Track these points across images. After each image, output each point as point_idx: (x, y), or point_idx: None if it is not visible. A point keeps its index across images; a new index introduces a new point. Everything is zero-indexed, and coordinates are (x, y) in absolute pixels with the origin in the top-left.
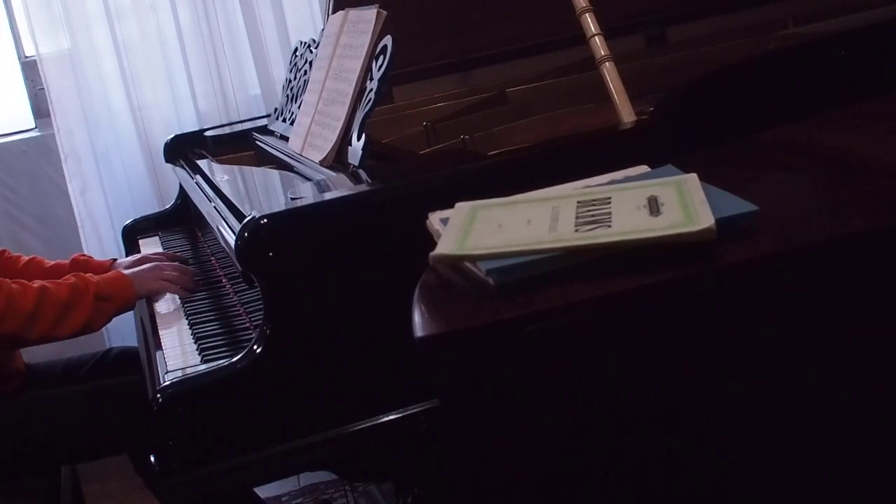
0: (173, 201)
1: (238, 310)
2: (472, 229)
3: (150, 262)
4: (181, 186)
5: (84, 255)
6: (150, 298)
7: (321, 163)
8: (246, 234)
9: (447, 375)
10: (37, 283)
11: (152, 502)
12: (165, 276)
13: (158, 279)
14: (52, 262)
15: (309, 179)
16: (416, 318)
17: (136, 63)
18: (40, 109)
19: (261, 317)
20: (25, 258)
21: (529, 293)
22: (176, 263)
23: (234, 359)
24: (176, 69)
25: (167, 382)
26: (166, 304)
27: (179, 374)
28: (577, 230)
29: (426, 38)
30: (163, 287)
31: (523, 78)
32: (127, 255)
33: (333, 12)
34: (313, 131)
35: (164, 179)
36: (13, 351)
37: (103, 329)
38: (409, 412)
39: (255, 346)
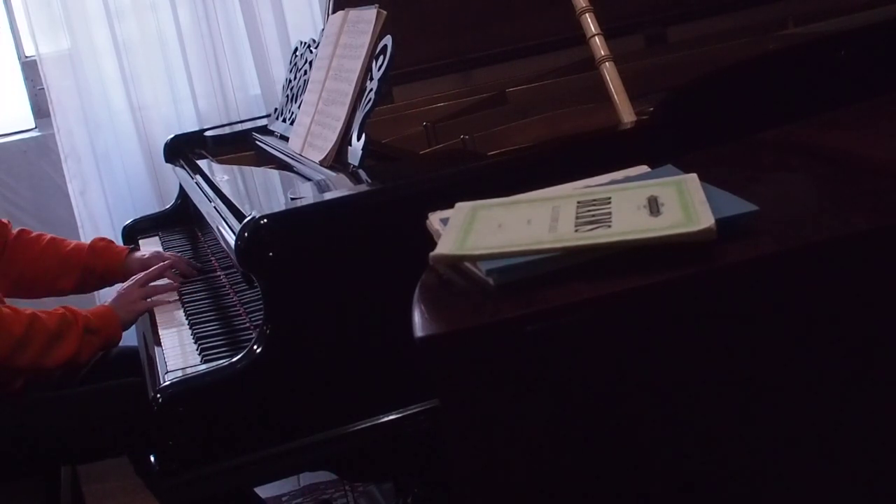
0: (173, 201)
1: (238, 310)
2: (472, 229)
3: (160, 259)
4: (181, 186)
5: (104, 240)
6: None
7: (321, 163)
8: (246, 234)
9: (447, 375)
10: (28, 311)
11: (152, 502)
12: (146, 294)
13: (140, 299)
14: (72, 246)
15: (309, 179)
16: (416, 318)
17: (136, 63)
18: (40, 109)
19: (261, 317)
20: (47, 237)
21: (529, 293)
22: (157, 275)
23: (234, 359)
24: (176, 69)
25: (167, 382)
26: (166, 305)
27: (179, 374)
28: (577, 230)
29: (426, 37)
30: (147, 307)
31: (523, 78)
32: None
33: (333, 12)
34: (313, 131)
35: (164, 179)
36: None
37: None
38: (409, 412)
39: (255, 346)
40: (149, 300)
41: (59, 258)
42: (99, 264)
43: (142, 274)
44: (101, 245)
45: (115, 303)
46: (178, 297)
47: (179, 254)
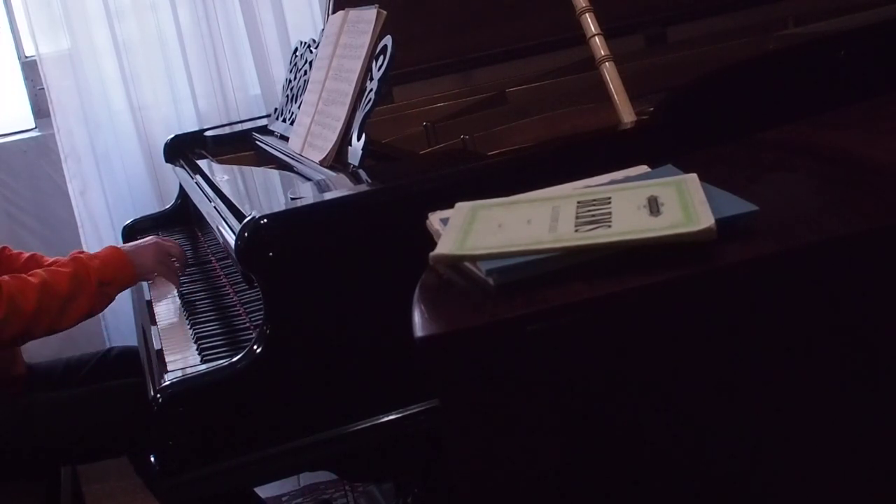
0: (173, 201)
1: (238, 310)
2: (472, 229)
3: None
4: (181, 186)
5: (83, 253)
6: (152, 301)
7: (321, 163)
8: (246, 234)
9: (447, 375)
10: (36, 278)
11: (153, 502)
12: (164, 256)
13: (154, 260)
14: (52, 260)
15: (309, 179)
16: (416, 318)
17: (136, 63)
18: (40, 109)
19: (261, 317)
20: (26, 255)
21: (529, 293)
22: (174, 242)
23: (234, 359)
24: (176, 69)
25: (167, 382)
26: (166, 304)
27: (179, 374)
28: (577, 230)
29: (426, 38)
30: (160, 271)
31: (523, 78)
32: None
33: (333, 12)
34: (313, 131)
35: (164, 179)
36: (14, 355)
37: (103, 329)
38: (409, 412)
39: (255, 346)
40: (161, 264)
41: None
42: None
43: (157, 240)
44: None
45: (129, 248)
46: (178, 297)
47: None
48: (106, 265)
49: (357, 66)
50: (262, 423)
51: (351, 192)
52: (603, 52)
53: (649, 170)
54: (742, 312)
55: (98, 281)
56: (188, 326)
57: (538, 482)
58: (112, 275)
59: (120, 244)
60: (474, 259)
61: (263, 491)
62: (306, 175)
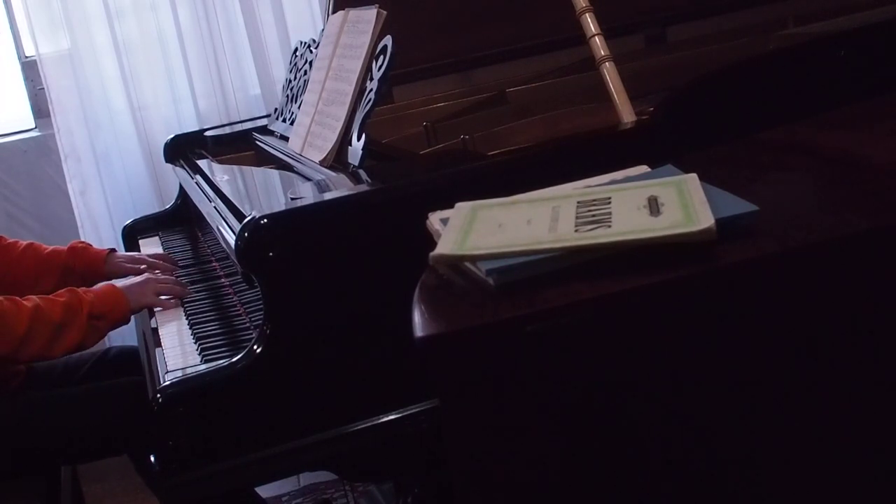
0: (173, 201)
1: (238, 310)
2: (472, 229)
3: (145, 264)
4: (181, 186)
5: (82, 243)
6: None
7: (321, 163)
8: (246, 234)
9: (447, 375)
10: (30, 303)
11: (153, 502)
12: (159, 291)
13: (152, 293)
14: (50, 249)
15: (309, 179)
16: (416, 318)
17: (136, 63)
18: (40, 109)
19: (261, 317)
20: (24, 243)
21: (529, 293)
22: (169, 277)
23: (234, 359)
24: (176, 69)
25: (167, 382)
26: (167, 304)
27: (179, 374)
28: (577, 230)
29: (426, 38)
30: (156, 303)
31: (523, 78)
32: None
33: (333, 12)
34: (313, 131)
35: (164, 179)
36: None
37: None
38: (409, 412)
39: (255, 346)
40: (160, 297)
41: (38, 260)
42: (78, 263)
43: (161, 274)
44: (80, 246)
45: (125, 285)
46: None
47: (179, 254)
48: (99, 298)
49: (357, 66)
50: (262, 422)
51: (351, 192)
52: (603, 52)
53: (649, 170)
54: (742, 312)
55: (89, 314)
56: (188, 326)
57: (538, 482)
58: (103, 309)
59: (121, 246)
60: (474, 259)
61: (263, 491)
62: (306, 175)
